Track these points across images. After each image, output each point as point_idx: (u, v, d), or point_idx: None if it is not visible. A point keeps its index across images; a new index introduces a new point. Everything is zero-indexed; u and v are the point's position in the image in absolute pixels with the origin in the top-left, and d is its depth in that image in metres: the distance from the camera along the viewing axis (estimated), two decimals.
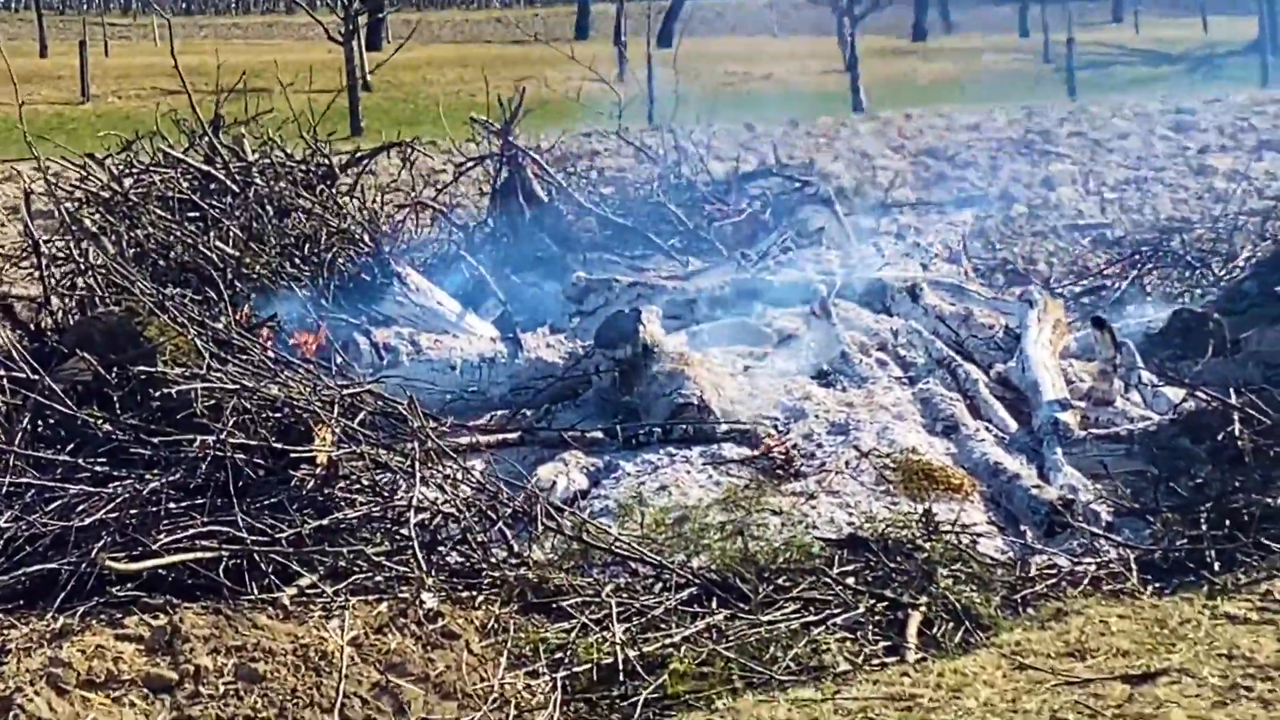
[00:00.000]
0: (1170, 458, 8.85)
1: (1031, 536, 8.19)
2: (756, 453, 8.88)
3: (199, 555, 6.83)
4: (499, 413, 10.09)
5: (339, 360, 9.35)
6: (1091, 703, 5.35)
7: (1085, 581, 7.33)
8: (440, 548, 7.41)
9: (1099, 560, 7.71)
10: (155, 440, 7.55)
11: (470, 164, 14.92)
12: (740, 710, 5.83)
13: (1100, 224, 17.24)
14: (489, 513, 7.55)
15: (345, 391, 7.93)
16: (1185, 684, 5.48)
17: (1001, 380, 10.25)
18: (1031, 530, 8.25)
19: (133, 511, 7.13)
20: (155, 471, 7.46)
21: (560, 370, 10.49)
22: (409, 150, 13.05)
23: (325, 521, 7.19)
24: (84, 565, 6.83)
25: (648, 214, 14.89)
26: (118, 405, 7.96)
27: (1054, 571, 7.58)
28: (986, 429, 9.43)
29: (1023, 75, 38.99)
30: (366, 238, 10.77)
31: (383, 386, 8.55)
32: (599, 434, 9.20)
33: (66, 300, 9.29)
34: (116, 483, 7.39)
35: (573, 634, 6.65)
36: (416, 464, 7.51)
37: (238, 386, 7.61)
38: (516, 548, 7.48)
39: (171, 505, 7.24)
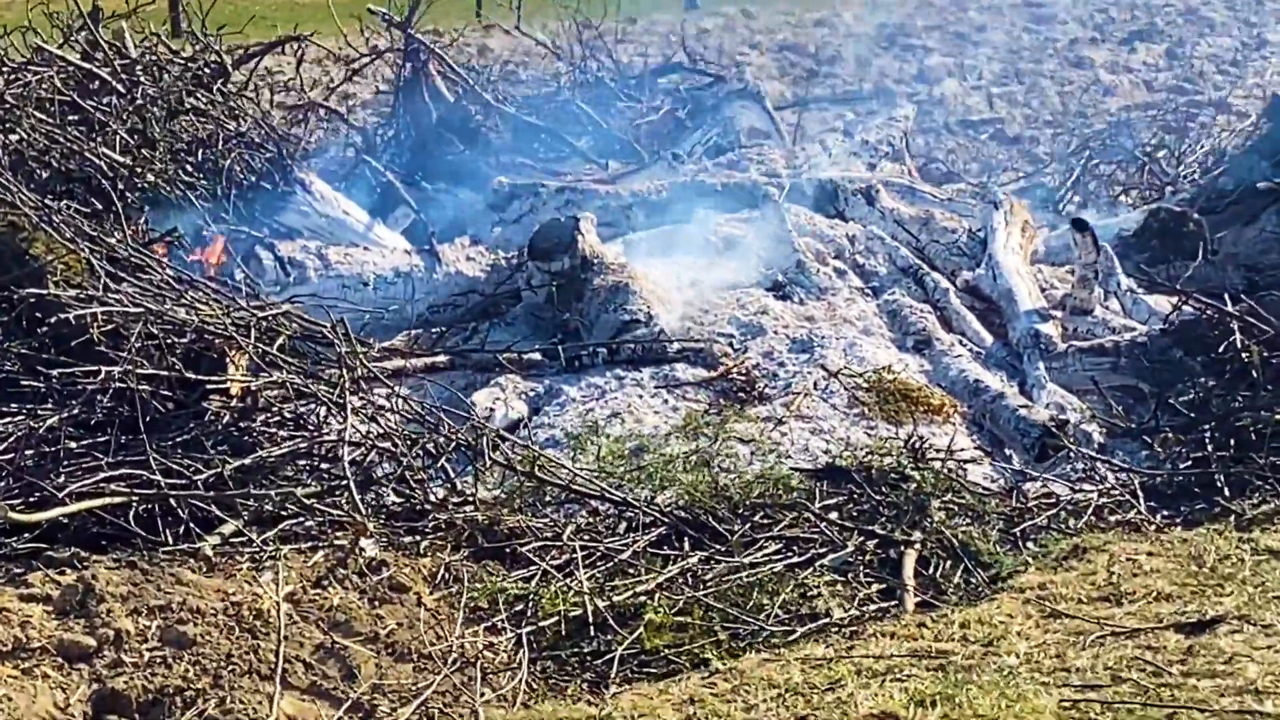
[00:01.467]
0: (1163, 372, 8.60)
1: (1019, 461, 7.89)
2: (714, 374, 8.51)
3: (108, 501, 6.36)
4: (415, 332, 9.65)
5: (242, 278, 8.87)
6: (1150, 657, 5.00)
7: (1089, 511, 7.00)
8: (375, 487, 6.97)
9: (1099, 487, 7.39)
10: (50, 372, 7.05)
11: (365, 59, 14.35)
12: (745, 671, 5.44)
13: (993, 119, 17.01)
14: (429, 447, 7.09)
15: (261, 314, 7.44)
16: (1249, 632, 5.13)
17: (970, 289, 9.93)
18: (1020, 454, 7.96)
19: (28, 452, 6.65)
20: (49, 406, 6.99)
21: (486, 285, 10.07)
22: (302, 45, 12.44)
23: (247, 461, 6.72)
24: None
25: (555, 113, 14.44)
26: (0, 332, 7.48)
27: (1052, 501, 7.26)
28: (960, 343, 9.10)
29: None
30: (266, 142, 10.20)
31: (297, 307, 8.08)
32: (536, 355, 8.76)
33: None
34: (5, 419, 6.92)
35: (533, 583, 6.23)
36: (346, 393, 7.04)
37: (142, 310, 7.11)
38: (459, 486, 7.05)
39: (71, 445, 6.77)
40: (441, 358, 8.71)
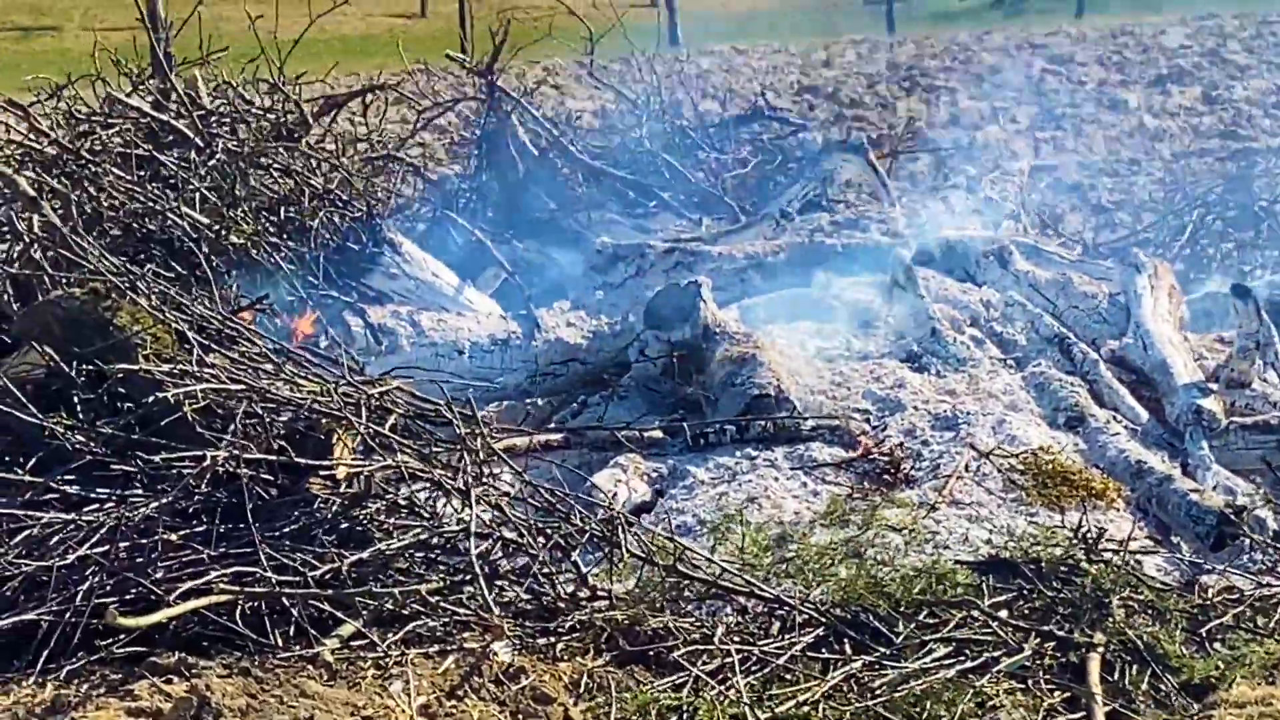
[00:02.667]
0: None
1: (1188, 550, 7.53)
2: (854, 454, 8.15)
3: (217, 599, 6.01)
4: (505, 404, 9.33)
5: (333, 347, 8.58)
6: None
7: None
8: (501, 582, 6.61)
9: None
10: (149, 456, 6.73)
11: (442, 107, 14.10)
12: None
13: (1046, 165, 16.73)
14: (560, 537, 6.73)
15: (371, 391, 7.12)
16: None
17: (1117, 360, 9.55)
18: (1190, 543, 7.59)
19: (123, 545, 6.32)
20: (140, 493, 6.66)
21: (587, 354, 9.76)
22: (385, 93, 12.15)
23: (365, 554, 6.37)
24: (69, 615, 6.02)
25: (634, 164, 14.14)
26: (79, 409, 7.16)
27: (1235, 597, 6.87)
28: (1115, 420, 8.73)
29: (835, 8, 38.29)
30: (353, 199, 9.91)
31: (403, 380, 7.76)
32: (657, 433, 8.41)
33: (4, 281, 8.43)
34: (95, 508, 6.59)
35: (685, 691, 5.87)
36: (469, 478, 6.70)
37: (246, 388, 6.79)
38: (592, 581, 6.69)
39: (168, 536, 6.44)
40: (556, 435, 8.35)
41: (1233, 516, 7.44)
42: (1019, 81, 21.45)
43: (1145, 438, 8.64)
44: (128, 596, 6.18)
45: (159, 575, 6.21)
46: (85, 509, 6.57)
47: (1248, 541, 7.45)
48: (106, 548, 6.28)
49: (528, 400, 9.51)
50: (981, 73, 22.53)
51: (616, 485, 7.84)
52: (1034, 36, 26.72)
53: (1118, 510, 7.77)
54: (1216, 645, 6.42)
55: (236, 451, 6.50)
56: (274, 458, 6.70)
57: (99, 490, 6.73)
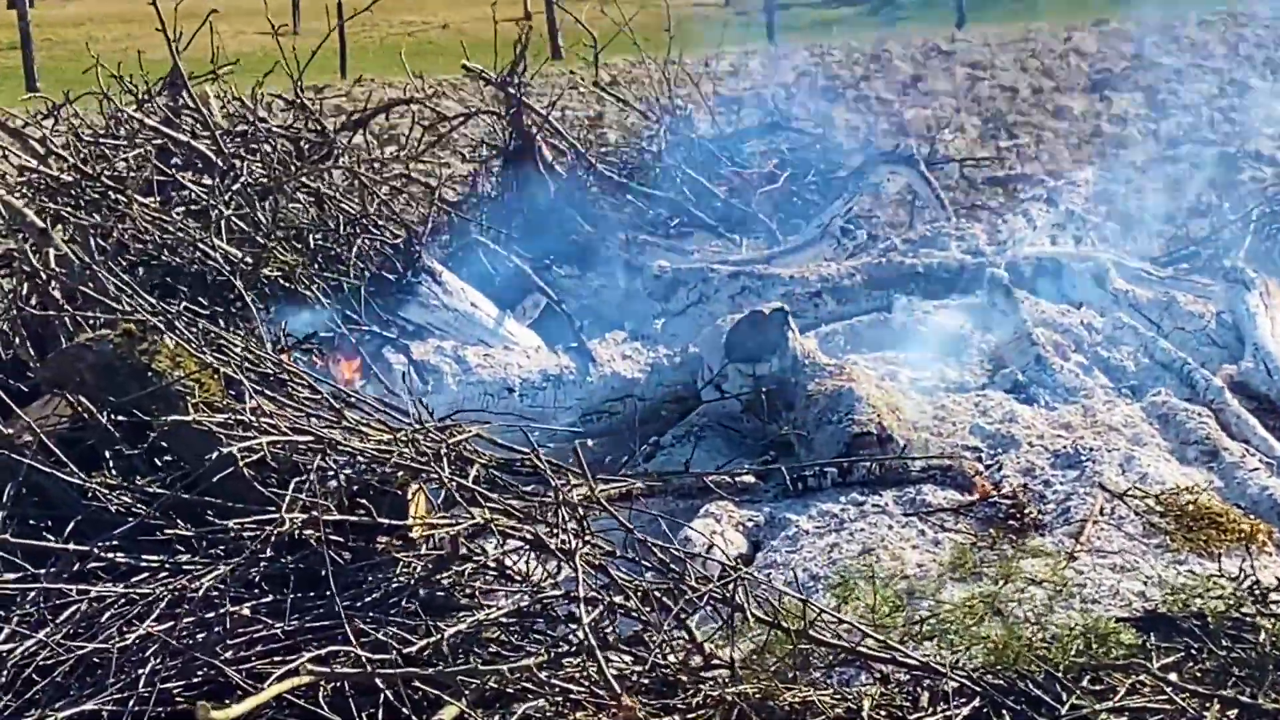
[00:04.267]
0: None
1: None
2: (973, 498, 7.73)
3: (302, 682, 5.56)
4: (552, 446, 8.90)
5: (376, 388, 8.16)
6: None
7: None
8: (608, 653, 6.16)
9: None
10: (197, 517, 6.30)
11: (456, 122, 13.68)
12: None
13: (1019, 175, 16.42)
14: (669, 600, 6.28)
15: (452, 440, 6.68)
16: None
17: (1237, 386, 9.14)
18: None
19: (187, 620, 5.88)
20: (196, 561, 6.22)
21: (645, 388, 9.38)
22: (414, 109, 11.69)
23: (464, 626, 5.93)
24: (132, 703, 5.59)
25: (658, 182, 13.75)
26: (112, 466, 6.73)
27: None
28: (1249, 453, 8.33)
29: (714, 20, 38.05)
30: (390, 226, 9.48)
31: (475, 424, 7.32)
32: (749, 478, 8.00)
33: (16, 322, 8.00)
34: (146, 576, 6.15)
35: None
36: (569, 535, 6.26)
37: (315, 439, 6.35)
38: (709, 648, 6.25)
39: (234, 608, 6.00)
40: (639, 483, 7.89)
41: None
42: (945, 88, 21.20)
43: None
44: (195, 680, 5.76)
45: (228, 655, 5.78)
46: (135, 580, 6.14)
47: None
48: (169, 624, 5.85)
49: (578, 441, 9.07)
50: (904, 80, 22.23)
51: (712, 537, 7.39)
52: (935, 41, 26.47)
53: (1269, 554, 7.34)
54: None
55: (314, 512, 6.04)
56: (351, 517, 6.26)
57: (146, 558, 6.29)
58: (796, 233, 12.69)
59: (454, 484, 6.44)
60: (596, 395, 9.45)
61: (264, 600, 6.09)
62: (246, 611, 5.96)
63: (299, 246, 9.17)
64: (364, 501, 6.28)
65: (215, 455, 6.24)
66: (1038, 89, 20.78)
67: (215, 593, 5.98)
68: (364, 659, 5.65)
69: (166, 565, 6.23)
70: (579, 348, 9.61)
